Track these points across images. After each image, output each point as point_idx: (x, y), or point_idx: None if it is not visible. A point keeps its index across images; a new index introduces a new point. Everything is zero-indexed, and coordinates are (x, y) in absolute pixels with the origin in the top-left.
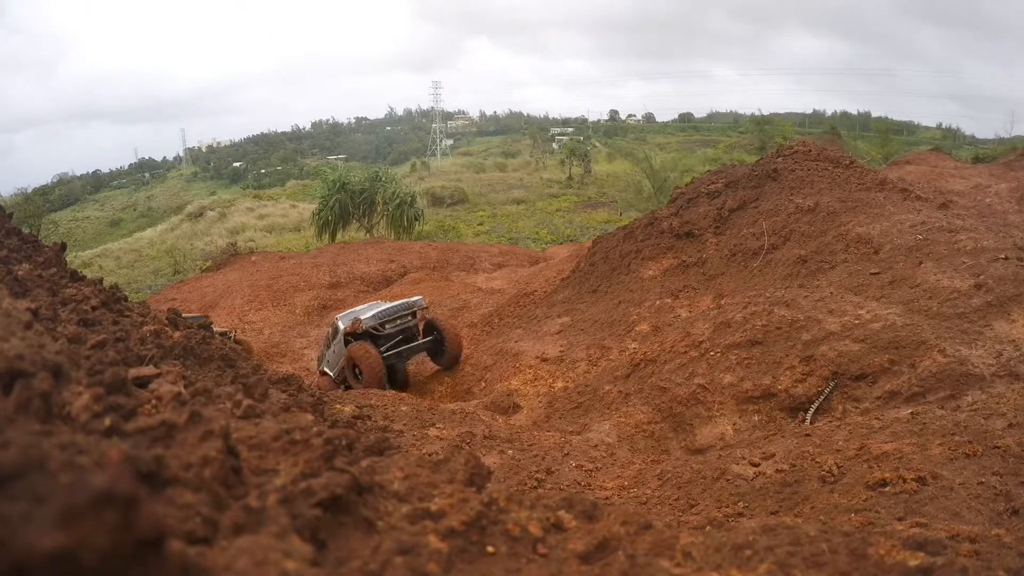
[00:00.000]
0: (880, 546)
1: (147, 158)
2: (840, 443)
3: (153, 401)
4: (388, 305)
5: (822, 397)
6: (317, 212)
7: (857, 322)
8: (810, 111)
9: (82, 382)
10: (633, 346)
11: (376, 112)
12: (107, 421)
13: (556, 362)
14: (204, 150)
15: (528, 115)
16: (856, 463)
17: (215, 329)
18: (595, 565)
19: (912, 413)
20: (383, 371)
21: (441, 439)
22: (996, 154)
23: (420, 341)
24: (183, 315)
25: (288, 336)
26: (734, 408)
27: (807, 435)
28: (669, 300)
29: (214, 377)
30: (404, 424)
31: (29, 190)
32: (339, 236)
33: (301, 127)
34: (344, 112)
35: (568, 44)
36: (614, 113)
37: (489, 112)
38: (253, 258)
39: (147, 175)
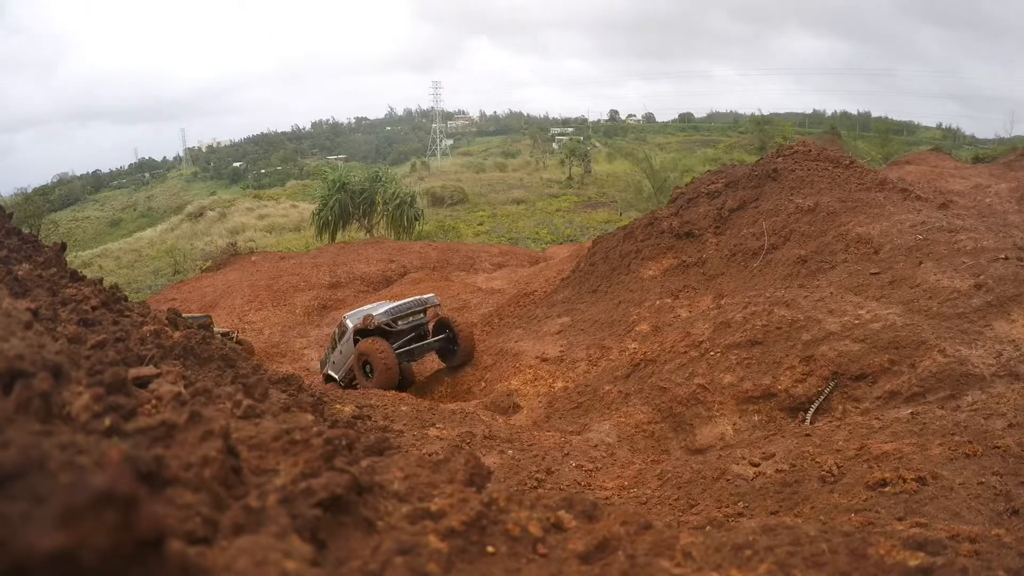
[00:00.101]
0: (880, 546)
1: (147, 158)
2: (840, 443)
3: (153, 401)
4: (401, 301)
5: (822, 397)
6: (317, 212)
7: (857, 322)
8: (810, 111)
9: (82, 382)
10: (633, 346)
11: (376, 112)
12: (107, 421)
13: (556, 362)
14: (204, 150)
15: (528, 115)
16: (856, 463)
17: (217, 329)
18: (595, 565)
19: (912, 413)
20: (397, 368)
21: (441, 439)
22: (996, 154)
23: (432, 339)
24: (185, 315)
25: (288, 336)
26: (734, 408)
27: (807, 435)
28: (669, 300)
29: (214, 377)
30: (404, 424)
31: (29, 190)
32: (339, 236)
33: (301, 127)
34: (344, 112)
35: (568, 44)
36: (614, 113)
37: (489, 112)
38: (253, 258)
39: (147, 175)
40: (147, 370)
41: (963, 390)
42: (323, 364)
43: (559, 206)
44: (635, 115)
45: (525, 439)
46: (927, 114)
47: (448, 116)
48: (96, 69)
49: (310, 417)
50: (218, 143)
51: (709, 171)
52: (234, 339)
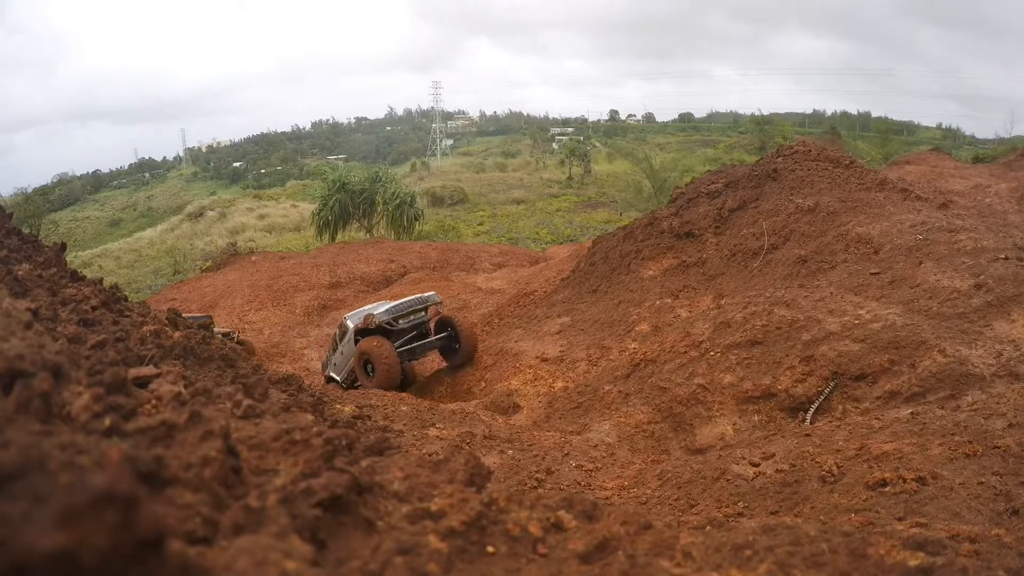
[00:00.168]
0: (880, 546)
1: (147, 158)
2: (840, 443)
3: (153, 401)
4: (401, 300)
5: (822, 397)
6: (317, 212)
7: (857, 322)
8: (810, 111)
9: (82, 382)
10: (633, 346)
11: (376, 112)
12: (107, 421)
13: (556, 362)
14: (204, 150)
15: (528, 115)
16: (856, 463)
17: (218, 330)
18: (595, 565)
19: (912, 413)
20: (399, 367)
21: (441, 439)
22: (996, 154)
23: (433, 338)
24: (186, 315)
25: (288, 336)
26: (734, 408)
27: (807, 435)
28: (669, 300)
29: (214, 377)
30: (404, 424)
31: (29, 190)
32: (339, 236)
33: (301, 127)
34: (344, 112)
35: (568, 44)
36: (614, 113)
37: (489, 112)
38: (253, 258)
39: (147, 175)
40: (147, 370)
41: (963, 390)
42: (325, 366)
43: (559, 206)
44: (635, 115)
45: (525, 439)
46: (927, 114)
47: (448, 116)
48: (96, 69)
49: (310, 417)
50: (218, 143)
51: (709, 171)
52: (235, 339)
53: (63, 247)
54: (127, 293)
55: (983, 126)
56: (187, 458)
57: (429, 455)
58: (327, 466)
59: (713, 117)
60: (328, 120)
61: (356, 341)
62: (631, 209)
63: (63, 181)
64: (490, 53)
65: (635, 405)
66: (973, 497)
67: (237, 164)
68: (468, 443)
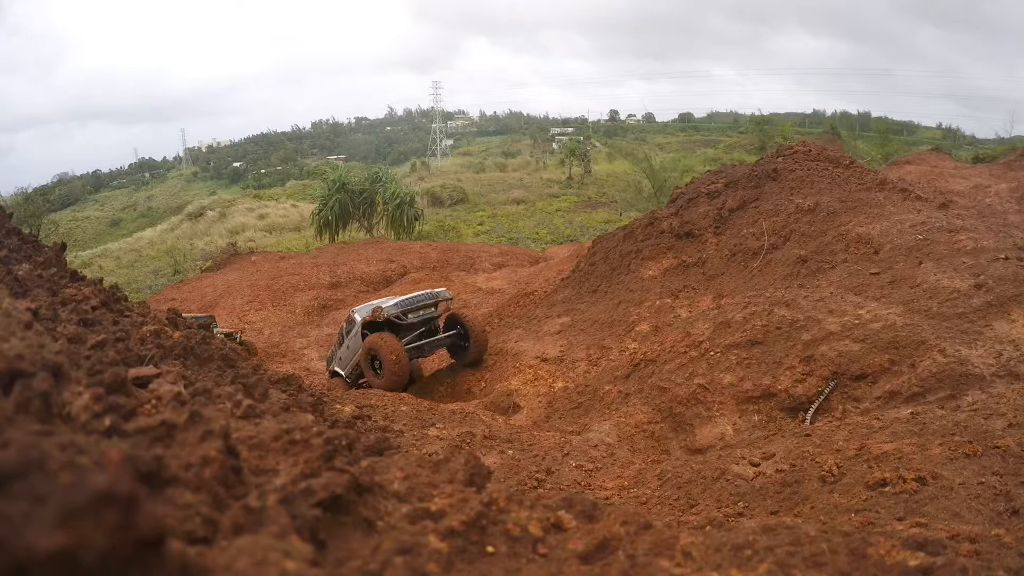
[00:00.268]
0: (880, 546)
1: (147, 158)
2: (840, 443)
3: (153, 401)
4: (412, 294)
5: (822, 397)
6: (317, 212)
7: (857, 322)
8: (810, 111)
9: (82, 382)
10: (633, 346)
11: (376, 112)
12: (107, 421)
13: (556, 362)
14: (204, 150)
15: (528, 115)
16: (856, 463)
17: (221, 330)
18: (595, 565)
19: (912, 413)
20: (406, 364)
21: (441, 439)
22: (996, 154)
23: (443, 335)
24: (187, 315)
25: (288, 336)
26: (734, 408)
27: (807, 435)
28: (669, 300)
29: (214, 377)
30: (404, 424)
31: (29, 190)
32: (339, 236)
33: (301, 127)
34: (344, 112)
35: (567, 44)
36: (614, 113)
37: (489, 112)
38: (253, 258)
39: (147, 175)
40: (147, 370)
41: (963, 390)
42: (329, 360)
43: (559, 206)
44: (635, 115)
45: (525, 439)
46: (927, 114)
47: (448, 116)
48: (96, 69)
49: (310, 417)
50: (218, 143)
51: (709, 171)
52: (237, 340)
53: (63, 247)
54: (127, 293)
55: (983, 126)
56: (187, 458)
57: (429, 455)
58: (327, 466)
59: (713, 117)
60: (328, 120)
61: (364, 336)
62: (631, 209)
63: (63, 181)
64: (490, 53)
65: (635, 405)
66: (973, 497)
67: (237, 164)
68: (468, 443)
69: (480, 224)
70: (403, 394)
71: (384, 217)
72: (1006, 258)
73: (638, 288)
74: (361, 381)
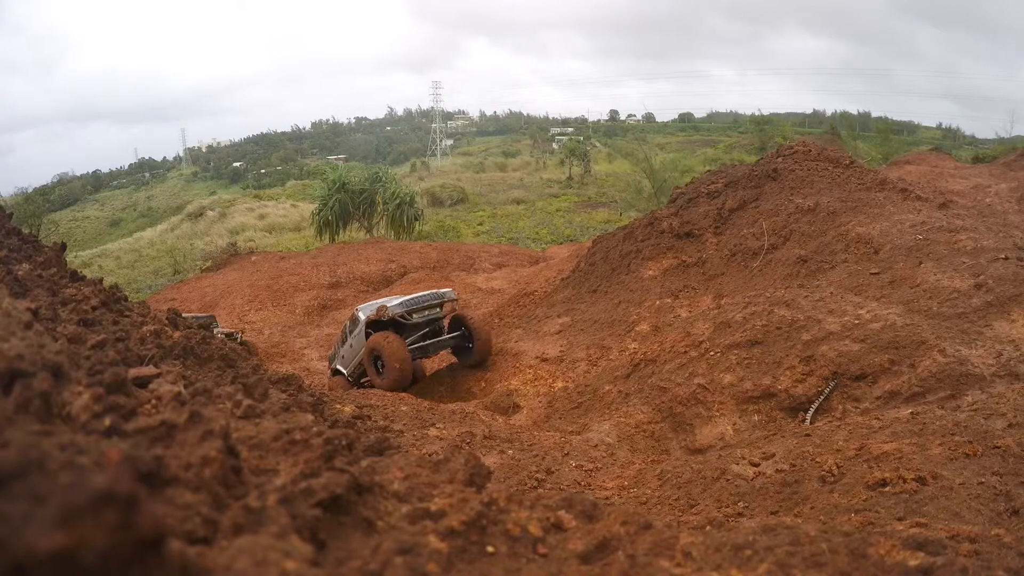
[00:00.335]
0: (880, 546)
1: (147, 158)
2: (840, 443)
3: (153, 401)
4: (417, 294)
5: (822, 397)
6: (317, 212)
7: (857, 322)
8: (810, 111)
9: (82, 382)
10: (633, 346)
11: (376, 112)
12: (107, 421)
13: (556, 362)
14: (204, 150)
15: (528, 115)
16: (856, 463)
17: (222, 330)
18: (595, 565)
19: (912, 413)
20: (409, 364)
21: (441, 439)
22: (996, 154)
23: (447, 336)
24: (187, 315)
25: (288, 336)
26: (734, 408)
27: (807, 435)
28: (669, 300)
29: (214, 377)
30: (404, 424)
31: (29, 190)
32: (339, 236)
33: (301, 127)
34: (344, 112)
35: (567, 44)
36: (614, 113)
37: (489, 112)
38: (253, 258)
39: (147, 175)
40: (147, 370)
41: (963, 390)
42: (331, 359)
43: (559, 206)
44: (635, 115)
45: (525, 439)
46: (927, 114)
47: (448, 116)
48: (96, 69)
49: (310, 417)
50: (218, 143)
51: (709, 171)
52: (237, 340)
53: (63, 247)
54: (127, 293)
55: (983, 126)
56: (187, 458)
57: (429, 455)
58: (327, 466)
59: (713, 117)
60: (328, 120)
61: (367, 335)
62: (631, 209)
63: (63, 181)
64: (490, 53)
65: (635, 405)
66: (973, 497)
67: (237, 164)
68: (468, 443)
69: (480, 224)
70: (403, 394)
71: (384, 217)
72: (1006, 258)
73: (638, 288)
74: (363, 380)
